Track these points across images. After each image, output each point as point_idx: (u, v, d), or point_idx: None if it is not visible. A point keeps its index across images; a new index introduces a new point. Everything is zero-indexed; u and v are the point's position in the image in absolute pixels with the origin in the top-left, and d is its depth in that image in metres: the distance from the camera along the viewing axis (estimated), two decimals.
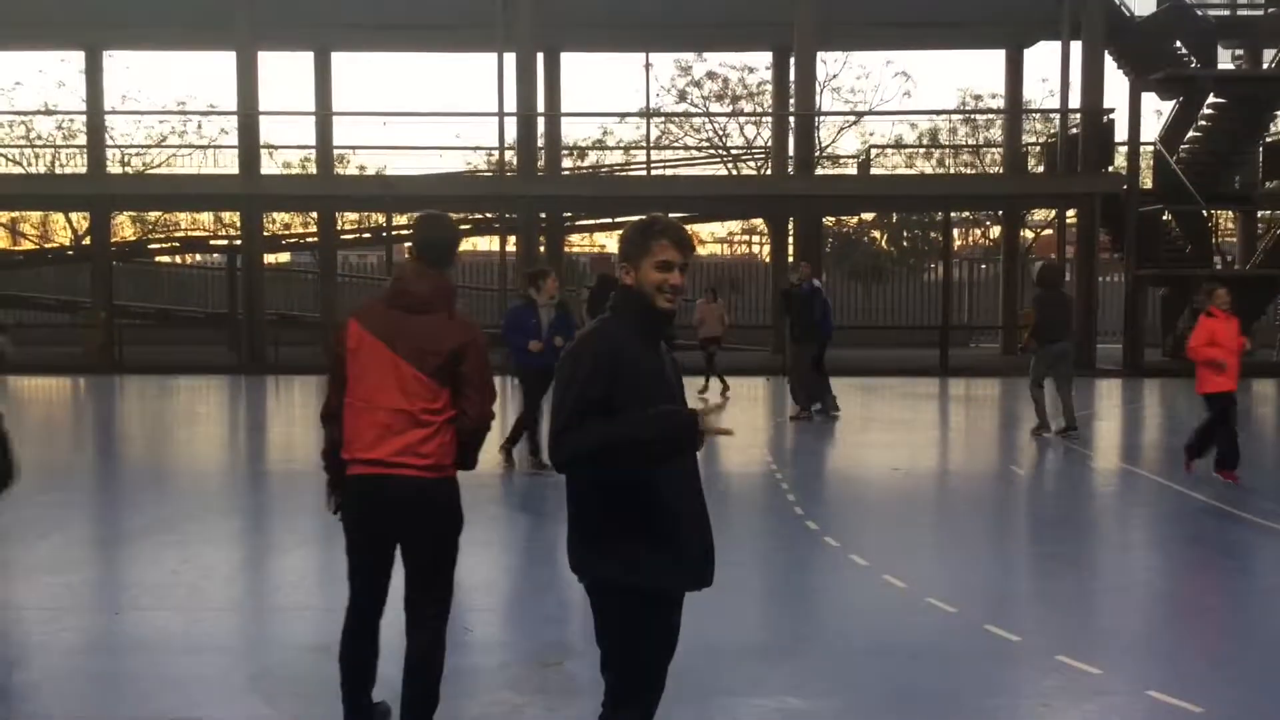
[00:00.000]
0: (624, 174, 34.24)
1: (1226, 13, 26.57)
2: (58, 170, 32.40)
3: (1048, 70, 53.61)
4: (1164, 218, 24.92)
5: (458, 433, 4.08)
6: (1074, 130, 23.93)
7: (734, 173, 35.95)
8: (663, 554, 3.28)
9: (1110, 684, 5.15)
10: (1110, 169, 24.22)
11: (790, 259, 25.38)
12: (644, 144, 35.21)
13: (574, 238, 36.14)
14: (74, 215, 34.79)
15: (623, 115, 36.78)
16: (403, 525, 4.06)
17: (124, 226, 35.99)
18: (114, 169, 31.03)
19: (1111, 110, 23.68)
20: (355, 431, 4.08)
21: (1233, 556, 7.91)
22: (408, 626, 4.13)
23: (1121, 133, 24.30)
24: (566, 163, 33.67)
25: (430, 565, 4.10)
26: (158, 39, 28.27)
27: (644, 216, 3.45)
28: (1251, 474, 10.18)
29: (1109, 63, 24.12)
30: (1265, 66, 25.39)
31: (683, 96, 37.68)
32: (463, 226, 27.44)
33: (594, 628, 3.38)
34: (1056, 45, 24.51)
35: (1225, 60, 26.44)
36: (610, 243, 41.65)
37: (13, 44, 29.21)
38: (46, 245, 36.73)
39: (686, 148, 37.52)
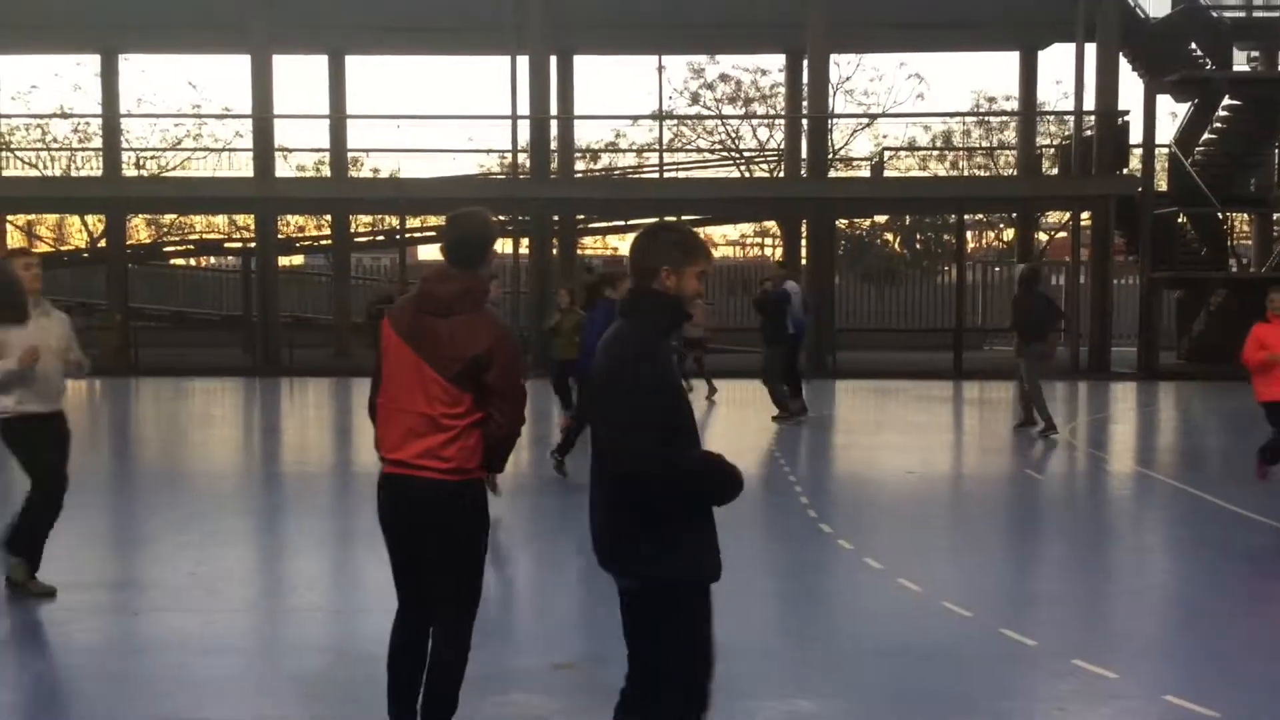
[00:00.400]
0: (637, 176, 34.25)
1: (1242, 14, 26.44)
2: (73, 173, 32.56)
3: (1062, 72, 53.63)
4: (1179, 220, 24.82)
5: (485, 438, 3.99)
6: (1088, 132, 23.84)
7: (747, 175, 35.93)
8: (711, 545, 3.47)
9: (1126, 688, 5.14)
10: (1125, 171, 24.12)
11: (803, 261, 25.36)
12: (657, 146, 35.24)
13: (587, 240, 36.17)
14: (89, 218, 34.94)
15: (635, 118, 36.83)
16: (424, 526, 4.00)
17: (139, 229, 36.17)
18: (129, 172, 31.16)
19: (1126, 112, 23.59)
20: (383, 431, 4.06)
21: (1248, 560, 7.87)
22: (433, 628, 4.09)
23: (1136, 135, 24.22)
24: (579, 165, 33.70)
25: (451, 568, 4.04)
26: (173, 42, 28.41)
27: (663, 222, 3.57)
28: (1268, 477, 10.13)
29: (1123, 64, 24.04)
30: None
31: (695, 99, 37.71)
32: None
33: (650, 629, 3.42)
34: (1071, 47, 24.43)
35: (1241, 62, 26.32)
36: (624, 245, 41.59)
37: (29, 48, 29.37)
38: (62, 248, 36.91)
39: (699, 150, 37.53)
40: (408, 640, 4.12)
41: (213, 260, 36.14)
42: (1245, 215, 31.20)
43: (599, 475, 3.43)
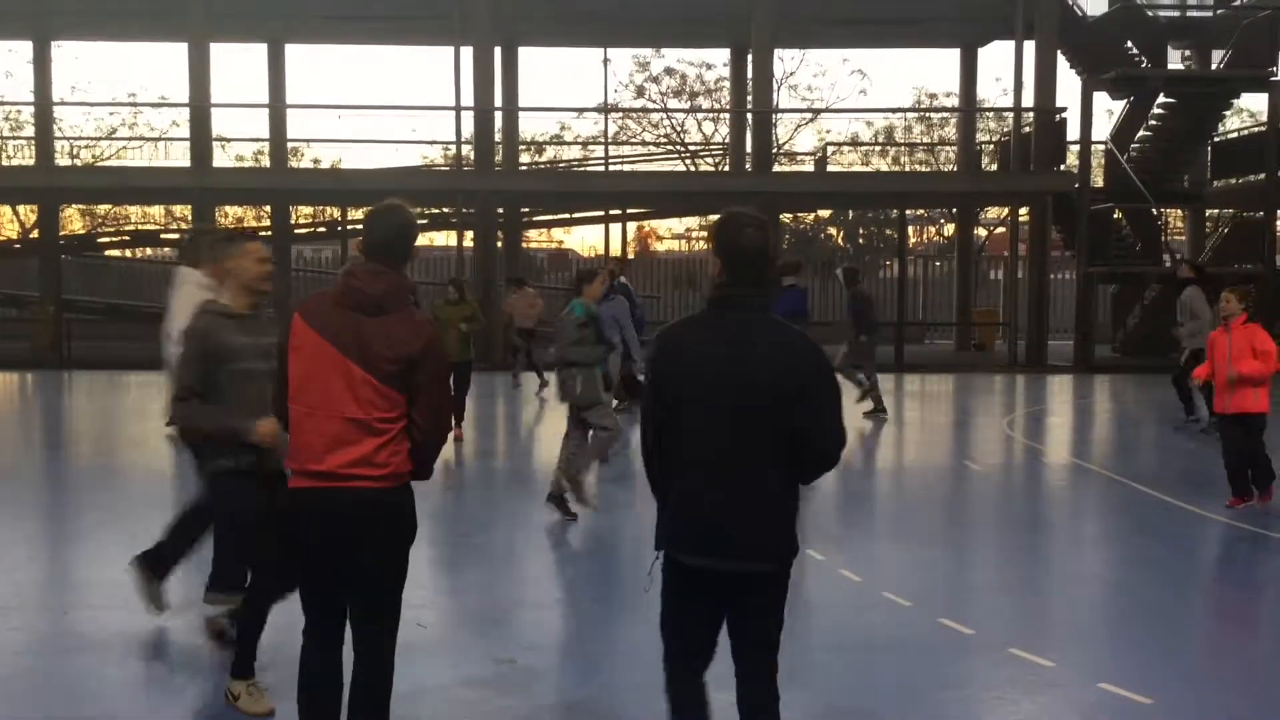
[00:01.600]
0: (581, 169, 34.19)
1: (1176, 14, 26.97)
2: (5, 162, 31.84)
3: (1001, 69, 54.19)
4: (1114, 216, 25.26)
5: (412, 441, 3.74)
6: (1027, 129, 24.18)
7: (691, 169, 36.01)
8: None
9: (1062, 676, 5.21)
10: (1062, 167, 24.49)
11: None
12: (602, 139, 35.19)
13: (531, 232, 36.05)
14: (22, 208, 34.19)
15: (580, 110, 36.80)
16: (354, 540, 3.69)
17: (73, 219, 35.48)
18: (63, 161, 30.53)
19: (1064, 109, 23.96)
20: (301, 441, 3.71)
21: (1182, 549, 8.02)
22: (356, 652, 3.79)
23: (1073, 131, 24.61)
24: (524, 157, 33.56)
25: (381, 583, 3.77)
26: (108, 29, 27.84)
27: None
28: (1195, 466, 10.32)
29: (1061, 62, 24.39)
30: (1214, 67, 25.81)
31: (640, 92, 37.72)
32: (419, 221, 27.26)
33: (773, 607, 3.54)
34: (1010, 44, 24.74)
35: (1175, 60, 26.82)
36: (568, 239, 41.50)
37: None
38: None
39: (644, 143, 37.56)
40: (327, 665, 3.82)
41: (149, 251, 35.54)
42: (1179, 211, 31.81)
43: (747, 469, 3.42)
